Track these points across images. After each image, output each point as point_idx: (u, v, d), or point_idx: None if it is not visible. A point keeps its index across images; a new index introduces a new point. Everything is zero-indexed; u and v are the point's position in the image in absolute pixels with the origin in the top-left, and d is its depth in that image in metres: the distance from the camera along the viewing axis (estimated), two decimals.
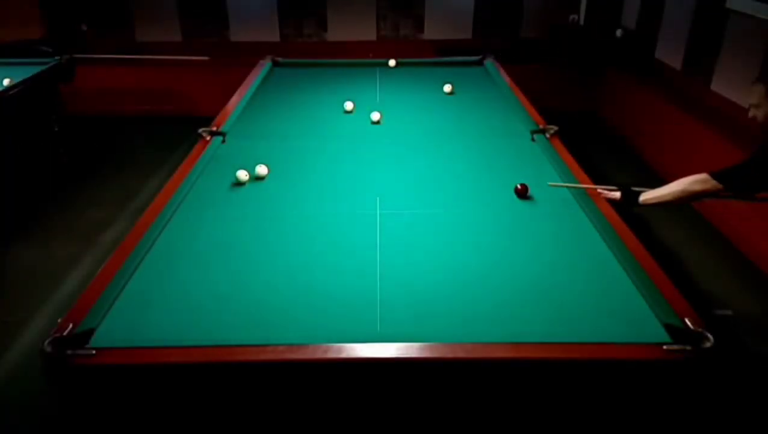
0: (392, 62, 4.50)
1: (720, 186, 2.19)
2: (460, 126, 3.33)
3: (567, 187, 2.49)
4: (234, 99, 3.66)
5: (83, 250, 3.62)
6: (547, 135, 3.04)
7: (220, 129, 3.14)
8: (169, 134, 5.26)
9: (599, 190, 2.44)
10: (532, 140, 3.06)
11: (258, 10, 6.33)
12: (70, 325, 1.63)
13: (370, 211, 2.36)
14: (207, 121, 3.24)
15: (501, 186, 2.54)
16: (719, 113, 4.21)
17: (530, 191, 2.45)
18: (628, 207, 2.35)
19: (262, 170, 2.64)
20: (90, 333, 1.62)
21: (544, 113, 3.35)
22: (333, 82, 4.15)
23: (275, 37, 6.43)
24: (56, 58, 4.56)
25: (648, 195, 2.37)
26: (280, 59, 4.55)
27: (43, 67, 4.39)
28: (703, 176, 2.22)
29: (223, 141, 3.05)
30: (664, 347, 1.56)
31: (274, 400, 1.68)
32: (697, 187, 2.23)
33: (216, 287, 1.87)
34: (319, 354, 1.55)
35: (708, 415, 2.24)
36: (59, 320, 1.65)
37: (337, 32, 6.43)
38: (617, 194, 2.40)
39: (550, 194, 2.47)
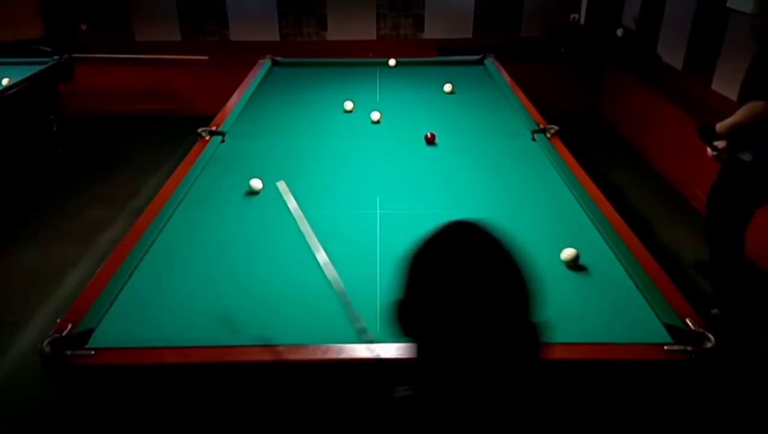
0: (392, 62, 4.49)
1: None
2: (460, 126, 3.32)
3: None
4: (233, 99, 3.66)
5: (83, 250, 3.62)
6: (548, 135, 3.04)
7: (220, 129, 3.13)
8: (169, 134, 5.26)
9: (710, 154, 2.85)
10: (533, 139, 3.06)
11: (258, 10, 6.32)
12: (69, 325, 1.62)
13: (370, 211, 2.35)
14: (207, 121, 3.23)
15: (502, 186, 2.53)
16: (720, 112, 4.20)
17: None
18: (708, 140, 2.80)
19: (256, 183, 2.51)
20: (89, 333, 1.61)
21: (544, 113, 3.35)
22: (333, 81, 4.13)
23: (275, 36, 6.42)
24: (55, 58, 4.57)
25: (721, 123, 2.75)
26: (279, 59, 4.54)
27: (43, 67, 4.39)
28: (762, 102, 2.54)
29: (223, 141, 3.05)
30: (665, 347, 1.55)
31: (273, 401, 1.67)
32: (760, 108, 2.54)
33: (215, 288, 1.87)
34: (319, 354, 1.54)
35: (709, 415, 2.24)
36: (58, 321, 1.65)
37: (337, 32, 6.42)
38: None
39: (550, 195, 2.47)
